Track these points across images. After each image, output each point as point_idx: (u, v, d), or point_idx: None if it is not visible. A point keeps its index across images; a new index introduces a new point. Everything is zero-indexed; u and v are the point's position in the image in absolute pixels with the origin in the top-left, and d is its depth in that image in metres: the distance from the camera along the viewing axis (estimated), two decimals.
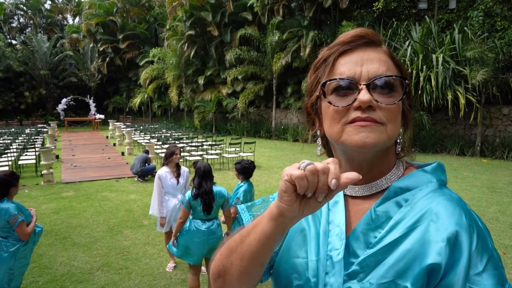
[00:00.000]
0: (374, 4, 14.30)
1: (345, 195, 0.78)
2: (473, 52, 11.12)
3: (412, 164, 0.77)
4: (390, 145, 0.71)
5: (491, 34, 12.03)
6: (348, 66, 0.68)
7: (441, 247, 0.59)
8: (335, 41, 0.73)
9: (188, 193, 3.45)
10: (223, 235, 3.69)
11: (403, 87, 0.68)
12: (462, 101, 11.22)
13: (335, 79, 0.68)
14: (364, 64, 0.67)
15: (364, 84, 0.65)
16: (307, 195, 0.57)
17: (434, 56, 11.78)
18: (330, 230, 0.74)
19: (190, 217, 3.56)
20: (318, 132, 0.78)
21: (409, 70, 12.07)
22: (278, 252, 0.81)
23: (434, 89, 11.38)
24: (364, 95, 0.64)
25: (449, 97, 11.32)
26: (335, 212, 0.76)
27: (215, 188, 3.49)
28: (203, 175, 3.43)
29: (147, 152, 10.14)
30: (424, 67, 11.85)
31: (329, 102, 0.68)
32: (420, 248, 0.61)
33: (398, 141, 0.73)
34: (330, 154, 0.81)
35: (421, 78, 11.66)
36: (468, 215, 0.62)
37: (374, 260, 0.64)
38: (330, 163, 0.56)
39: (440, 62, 11.44)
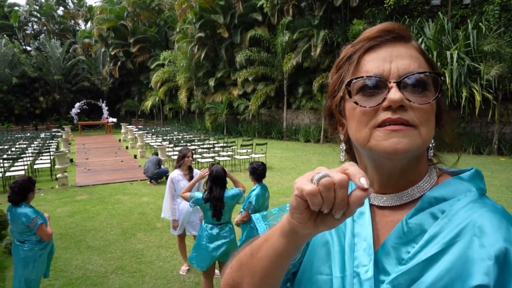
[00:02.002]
0: (385, 1, 14.10)
1: (371, 204, 0.71)
2: (490, 46, 10.83)
3: (446, 171, 0.70)
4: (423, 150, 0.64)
5: (508, 29, 11.72)
6: (376, 63, 0.62)
7: (489, 266, 0.51)
8: (360, 37, 0.67)
9: (199, 196, 3.41)
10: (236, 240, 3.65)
11: (437, 85, 0.61)
12: (478, 98, 10.96)
13: (362, 77, 0.62)
14: (394, 60, 0.61)
15: (394, 82, 0.59)
16: (322, 211, 0.49)
17: (448, 53, 11.55)
18: (356, 244, 0.67)
19: (203, 222, 3.54)
20: (342, 137, 0.71)
21: None
22: (297, 264, 0.75)
23: (448, 86, 11.15)
24: (394, 94, 0.58)
25: (464, 94, 11.07)
26: (361, 224, 0.69)
27: (228, 192, 3.42)
28: (214, 180, 3.36)
29: (156, 154, 10.21)
30: (439, 64, 11.62)
31: (355, 103, 0.62)
32: (463, 266, 0.53)
33: (430, 145, 0.66)
34: (354, 160, 0.74)
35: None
36: None
37: (408, 278, 0.57)
38: (348, 168, 0.49)
39: (454, 59, 11.21)
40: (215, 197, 3.32)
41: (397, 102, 0.58)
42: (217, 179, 3.35)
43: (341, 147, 0.73)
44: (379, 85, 0.60)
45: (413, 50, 0.64)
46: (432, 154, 0.67)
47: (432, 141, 0.66)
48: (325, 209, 0.49)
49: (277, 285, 0.65)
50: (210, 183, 3.36)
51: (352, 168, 0.49)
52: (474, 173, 0.66)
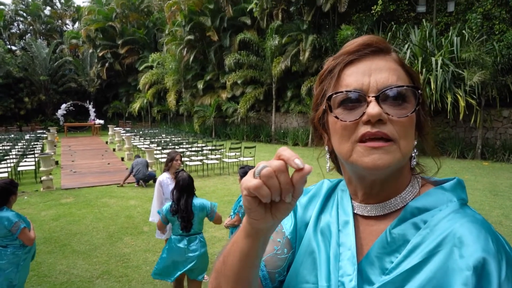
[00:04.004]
0: (372, 7, 14.33)
1: (356, 214, 0.72)
2: (469, 54, 11.13)
3: (429, 180, 0.71)
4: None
5: (490, 37, 12.04)
6: (355, 77, 0.63)
7: (467, 276, 0.53)
8: (341, 50, 0.68)
9: (166, 206, 3.22)
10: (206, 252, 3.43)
11: (416, 97, 0.63)
12: (462, 103, 11.22)
13: (341, 91, 0.63)
14: (372, 74, 0.63)
15: (373, 96, 0.60)
16: (275, 200, 0.52)
17: (433, 59, 11.79)
18: (341, 254, 0.68)
19: (171, 234, 3.34)
20: (326, 148, 0.72)
21: None
22: (283, 273, 0.76)
23: (433, 91, 11.37)
24: (373, 108, 0.59)
25: (449, 99, 11.31)
26: (346, 233, 0.70)
27: (196, 201, 3.23)
28: (182, 190, 3.15)
29: (139, 156, 10.16)
30: (424, 70, 11.86)
31: (336, 117, 0.63)
32: (443, 276, 0.55)
33: (413, 155, 0.67)
34: (339, 169, 0.76)
35: (421, 81, 11.65)
36: (495, 240, 0.56)
37: None
38: (282, 154, 0.51)
39: (439, 65, 11.45)
40: (181, 208, 3.10)
41: (376, 116, 0.59)
42: (185, 188, 3.16)
43: (326, 158, 0.75)
44: (359, 99, 0.62)
45: (392, 63, 0.65)
46: (415, 164, 0.69)
47: (415, 151, 0.68)
48: (275, 197, 0.51)
49: (252, 283, 0.65)
50: (177, 193, 3.16)
51: (285, 152, 0.52)
52: (456, 183, 0.67)
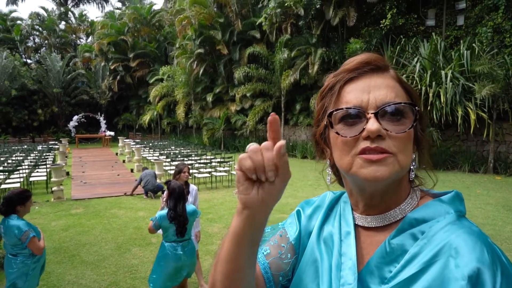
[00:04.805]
0: (381, 21, 14.41)
1: (357, 225, 0.75)
2: (482, 67, 11.06)
3: (428, 193, 0.73)
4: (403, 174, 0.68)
5: (501, 50, 11.97)
6: (355, 94, 0.66)
7: (462, 286, 0.55)
8: (341, 68, 0.72)
9: (161, 214, 3.33)
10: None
11: (414, 113, 0.65)
12: (472, 117, 11.10)
13: (342, 108, 0.66)
14: (371, 91, 0.66)
15: (372, 113, 0.63)
16: (261, 179, 0.56)
17: (443, 72, 11.75)
18: (342, 263, 0.71)
19: (163, 241, 3.43)
20: (328, 162, 0.76)
21: (418, 87, 12.04)
22: (285, 278, 0.79)
23: (443, 105, 11.30)
24: (372, 125, 0.62)
25: (459, 113, 11.21)
26: (347, 244, 0.73)
27: (188, 208, 3.41)
28: (178, 197, 3.32)
29: (146, 168, 10.24)
30: (433, 83, 11.81)
31: (337, 133, 0.66)
32: (440, 286, 0.57)
33: (412, 167, 0.70)
34: (340, 181, 0.79)
35: (430, 94, 11.60)
36: (491, 250, 0.58)
37: None
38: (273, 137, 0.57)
39: (449, 78, 11.39)
40: (178, 214, 3.27)
41: (375, 132, 0.62)
42: (181, 195, 3.35)
43: (328, 171, 0.78)
44: (359, 115, 0.65)
45: (390, 80, 0.68)
46: (413, 176, 0.71)
47: (414, 164, 0.70)
48: (259, 173, 0.56)
49: (245, 274, 0.67)
50: (174, 201, 3.31)
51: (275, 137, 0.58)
52: (454, 195, 0.69)
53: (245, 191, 0.58)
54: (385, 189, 0.67)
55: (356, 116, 0.65)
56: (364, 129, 0.63)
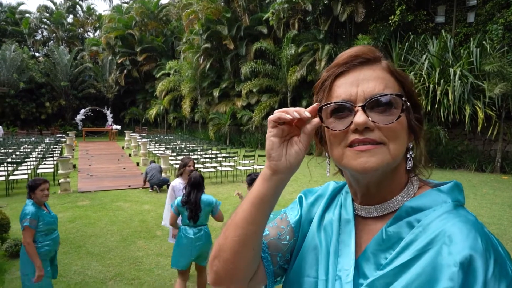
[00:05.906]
0: (390, 17, 14.26)
1: (357, 215, 0.76)
2: (491, 66, 10.91)
3: (427, 183, 0.74)
4: (398, 163, 0.69)
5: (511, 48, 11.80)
6: (344, 88, 0.68)
7: (454, 272, 0.55)
8: (333, 62, 0.73)
9: (179, 199, 3.65)
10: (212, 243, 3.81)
11: (403, 103, 0.66)
12: (480, 115, 10.97)
13: (330, 103, 0.67)
14: (360, 84, 0.67)
15: (359, 106, 0.64)
16: (294, 117, 0.67)
17: (451, 70, 11.61)
18: (340, 250, 0.73)
19: (181, 223, 3.75)
20: (327, 154, 0.77)
21: (426, 84, 11.93)
22: (283, 257, 0.82)
23: (451, 103, 11.18)
24: (359, 117, 0.63)
25: (467, 111, 11.09)
26: (346, 231, 0.75)
27: (204, 197, 3.66)
28: (192, 185, 3.65)
29: (154, 162, 10.30)
30: (442, 81, 11.69)
31: (327, 127, 0.68)
32: (432, 272, 0.58)
33: (409, 156, 0.70)
34: (341, 172, 0.80)
35: (438, 92, 11.49)
36: (485, 239, 0.58)
37: (384, 282, 0.62)
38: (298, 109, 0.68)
39: (457, 76, 11.27)
40: (191, 201, 3.58)
41: (362, 125, 0.63)
42: (195, 184, 3.66)
43: (327, 164, 0.79)
44: (348, 108, 0.66)
45: (380, 71, 0.68)
46: (410, 166, 0.71)
47: (411, 153, 0.70)
48: (292, 112, 0.67)
49: (258, 233, 0.72)
50: (189, 188, 3.65)
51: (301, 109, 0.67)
52: (453, 185, 0.70)
53: (277, 157, 0.67)
54: (379, 179, 0.69)
55: (345, 109, 0.66)
56: (352, 122, 0.65)
